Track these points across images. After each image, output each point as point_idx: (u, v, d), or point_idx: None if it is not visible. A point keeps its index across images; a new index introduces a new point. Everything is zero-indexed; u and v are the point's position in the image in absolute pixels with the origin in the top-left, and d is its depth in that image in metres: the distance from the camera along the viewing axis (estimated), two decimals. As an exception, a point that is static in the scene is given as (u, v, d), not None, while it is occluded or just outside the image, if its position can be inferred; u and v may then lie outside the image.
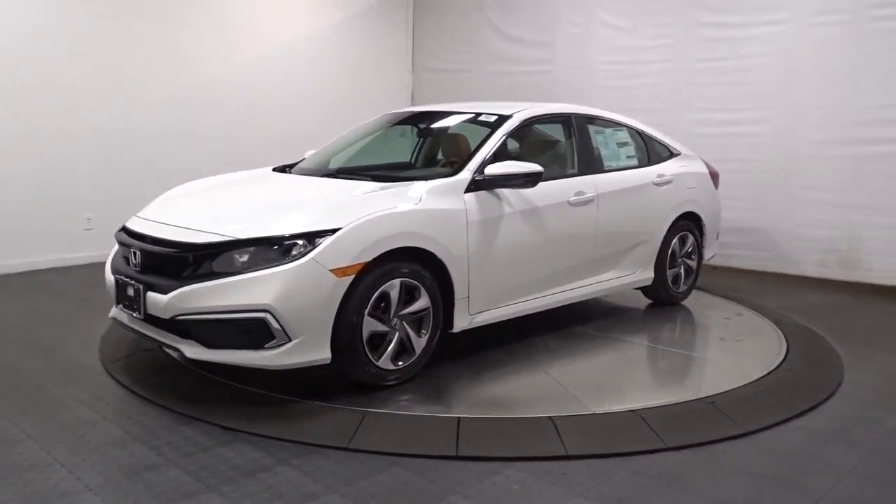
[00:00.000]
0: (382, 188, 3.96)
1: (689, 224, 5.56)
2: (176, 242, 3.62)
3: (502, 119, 4.57)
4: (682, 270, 5.59)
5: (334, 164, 4.97)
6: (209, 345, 3.48)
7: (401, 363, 3.80)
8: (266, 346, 3.40)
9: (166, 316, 3.49)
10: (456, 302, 4.01)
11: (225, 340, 3.46)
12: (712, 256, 6.01)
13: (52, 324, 5.02)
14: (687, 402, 3.74)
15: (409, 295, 3.78)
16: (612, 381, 4.11)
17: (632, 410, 3.57)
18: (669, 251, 5.40)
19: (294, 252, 3.42)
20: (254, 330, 3.37)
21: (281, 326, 3.35)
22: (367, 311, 3.58)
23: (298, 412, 3.51)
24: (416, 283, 3.79)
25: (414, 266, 3.78)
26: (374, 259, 3.57)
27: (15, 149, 6.41)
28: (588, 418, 3.50)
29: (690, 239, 5.61)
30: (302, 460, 3.05)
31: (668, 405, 3.68)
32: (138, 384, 3.85)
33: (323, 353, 3.49)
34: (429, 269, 3.86)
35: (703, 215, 5.65)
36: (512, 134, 4.56)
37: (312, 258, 3.39)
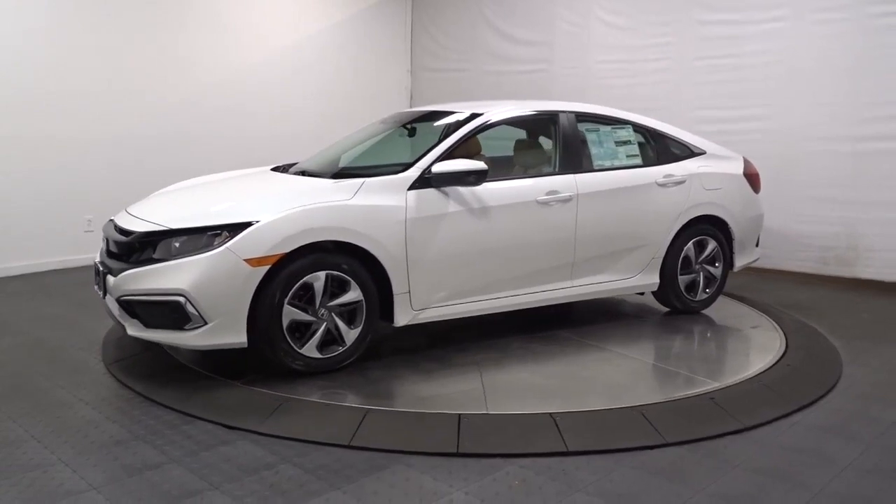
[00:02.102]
0: (333, 184, 4.11)
1: (709, 228, 5.22)
2: (128, 231, 3.98)
3: (472, 117, 4.57)
4: (700, 277, 5.25)
5: (339, 164, 4.98)
6: (146, 324, 3.78)
7: (329, 353, 3.95)
8: (185, 327, 3.68)
9: (115, 296, 3.83)
10: (395, 297, 4.08)
11: (156, 321, 3.75)
12: (753, 261, 5.63)
13: (54, 325, 5.04)
14: (686, 398, 3.76)
15: (339, 287, 3.92)
16: (541, 386, 3.92)
17: (631, 407, 3.59)
18: (681, 256, 5.11)
19: (216, 242, 3.67)
20: (175, 312, 3.66)
21: (196, 310, 3.63)
22: (286, 301, 3.77)
23: (300, 410, 3.54)
24: (344, 276, 3.91)
25: (342, 259, 3.91)
26: (297, 250, 3.75)
27: (15, 152, 6.43)
28: (588, 415, 3.52)
29: (711, 244, 5.24)
30: (304, 458, 3.08)
31: (667, 401, 3.70)
32: (141, 384, 3.88)
33: (239, 338, 3.72)
34: (364, 262, 3.97)
35: (728, 219, 5.28)
36: (477, 133, 4.54)
37: (227, 248, 3.65)
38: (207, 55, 7.70)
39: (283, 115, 8.37)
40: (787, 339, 4.75)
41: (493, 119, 4.63)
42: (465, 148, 4.96)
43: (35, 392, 3.82)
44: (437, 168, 4.17)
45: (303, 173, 4.63)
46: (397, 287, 4.07)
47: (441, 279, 4.22)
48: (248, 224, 3.71)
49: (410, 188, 4.13)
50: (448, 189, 4.21)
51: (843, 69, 6.44)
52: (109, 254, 4.09)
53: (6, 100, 6.35)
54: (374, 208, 3.99)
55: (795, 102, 6.71)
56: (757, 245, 5.68)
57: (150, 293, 3.69)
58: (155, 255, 3.77)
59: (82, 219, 6.85)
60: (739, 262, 5.48)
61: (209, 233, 3.72)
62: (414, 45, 9.76)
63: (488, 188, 4.33)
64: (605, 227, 4.77)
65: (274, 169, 4.95)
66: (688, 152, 5.28)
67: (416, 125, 5.24)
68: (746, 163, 5.57)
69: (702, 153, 5.34)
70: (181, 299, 3.61)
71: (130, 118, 7.13)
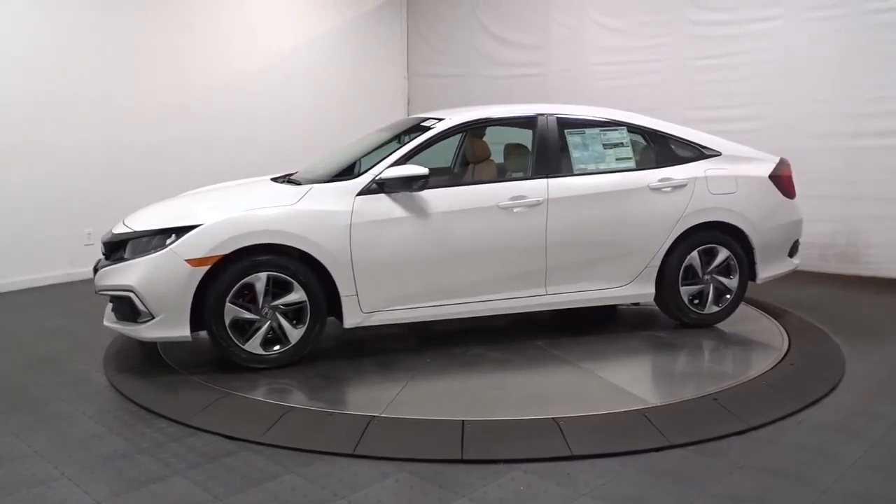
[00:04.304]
0: (290, 190, 4.29)
1: (719, 235, 4.81)
2: (112, 234, 4.34)
3: (438, 124, 4.57)
4: (709, 289, 4.84)
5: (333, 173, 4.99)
6: (117, 316, 4.18)
7: (272, 350, 4.15)
8: (138, 320, 4.03)
9: (96, 291, 4.25)
10: (343, 299, 4.18)
11: (121, 313, 4.14)
12: (787, 272, 5.14)
13: (56, 339, 5.03)
14: (690, 399, 3.74)
15: (283, 288, 4.10)
16: (462, 396, 3.87)
17: (636, 410, 3.58)
18: (682, 265, 4.75)
19: (167, 244, 3.99)
20: (129, 306, 4.04)
21: (143, 305, 3.97)
22: (228, 299, 4.00)
23: (303, 420, 3.53)
24: (286, 277, 4.07)
25: (284, 261, 4.07)
26: (238, 252, 3.98)
27: (13, 165, 6.43)
28: (592, 418, 3.51)
29: (723, 253, 4.81)
30: (308, 468, 3.07)
31: (671, 403, 3.69)
32: (143, 397, 3.87)
33: (183, 332, 4.01)
34: (311, 265, 4.12)
35: (744, 226, 4.81)
36: (435, 141, 4.50)
37: (171, 249, 3.97)
38: (204, 62, 7.71)
39: (281, 121, 8.38)
40: (789, 337, 4.74)
41: (455, 124, 4.58)
42: (473, 153, 5.02)
43: (37, 406, 3.81)
44: (385, 174, 4.24)
45: (289, 182, 4.65)
46: (344, 289, 4.17)
47: (391, 283, 4.25)
48: (191, 227, 3.99)
49: (360, 193, 4.21)
50: (399, 195, 4.24)
51: (840, 66, 6.45)
52: (103, 255, 4.40)
53: (3, 111, 6.34)
54: (317, 213, 4.12)
55: (792, 100, 6.72)
56: (792, 255, 5.17)
57: (112, 289, 4.09)
58: (125, 255, 4.12)
59: (82, 232, 6.84)
60: (764, 273, 4.97)
61: (161, 235, 4.03)
62: (410, 51, 9.77)
63: (443, 194, 4.34)
64: (581, 233, 4.55)
65: (274, 179, 4.97)
66: (698, 154, 4.91)
67: (406, 133, 5.24)
68: (780, 164, 5.09)
69: (715, 155, 4.93)
70: (131, 294, 3.97)
71: (128, 129, 7.12)
